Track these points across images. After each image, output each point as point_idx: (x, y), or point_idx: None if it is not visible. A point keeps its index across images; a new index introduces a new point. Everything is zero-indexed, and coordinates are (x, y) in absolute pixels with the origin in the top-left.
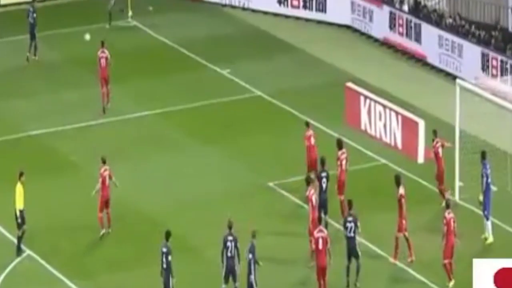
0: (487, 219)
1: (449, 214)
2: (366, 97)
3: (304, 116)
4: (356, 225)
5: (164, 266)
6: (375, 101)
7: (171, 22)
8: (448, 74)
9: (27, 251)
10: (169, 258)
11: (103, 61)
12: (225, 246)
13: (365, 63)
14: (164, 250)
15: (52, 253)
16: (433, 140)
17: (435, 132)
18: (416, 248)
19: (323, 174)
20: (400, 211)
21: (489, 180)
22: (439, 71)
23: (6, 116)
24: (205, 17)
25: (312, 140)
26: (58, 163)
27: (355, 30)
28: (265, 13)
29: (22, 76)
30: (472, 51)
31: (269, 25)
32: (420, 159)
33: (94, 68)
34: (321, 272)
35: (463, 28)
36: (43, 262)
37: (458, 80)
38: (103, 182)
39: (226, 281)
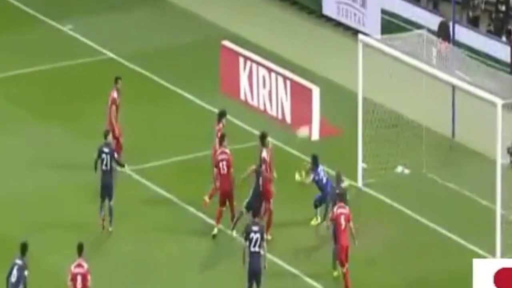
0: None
1: None
2: (246, 58)
3: (168, 84)
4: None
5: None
6: (258, 63)
7: None
8: (347, 28)
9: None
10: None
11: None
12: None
13: (247, 17)
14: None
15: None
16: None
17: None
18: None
19: None
20: None
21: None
22: (337, 24)
23: None
24: None
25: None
26: None
27: None
28: None
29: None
30: None
31: None
32: (315, 135)
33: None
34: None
35: None
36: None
37: (360, 36)
38: None
39: None
